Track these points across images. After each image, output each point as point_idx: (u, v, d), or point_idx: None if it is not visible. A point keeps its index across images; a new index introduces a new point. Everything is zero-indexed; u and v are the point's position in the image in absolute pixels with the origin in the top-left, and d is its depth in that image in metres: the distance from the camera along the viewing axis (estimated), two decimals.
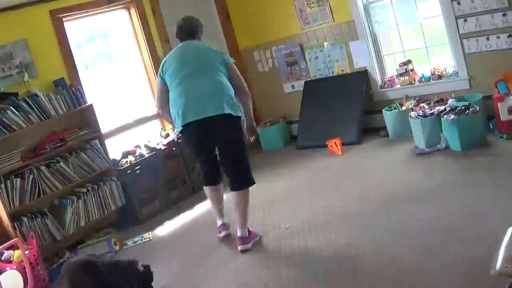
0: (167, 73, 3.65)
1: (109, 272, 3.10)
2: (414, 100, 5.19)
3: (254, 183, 3.72)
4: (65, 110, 4.54)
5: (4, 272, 3.68)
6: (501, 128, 4.44)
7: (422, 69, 5.44)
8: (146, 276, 3.19)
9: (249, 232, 3.71)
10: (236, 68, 3.73)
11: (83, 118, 4.77)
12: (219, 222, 3.96)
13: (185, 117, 3.51)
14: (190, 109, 3.50)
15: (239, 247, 3.64)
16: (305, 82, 6.15)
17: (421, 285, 2.63)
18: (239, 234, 3.67)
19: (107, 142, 4.94)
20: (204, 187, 3.96)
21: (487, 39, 4.67)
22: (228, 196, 3.84)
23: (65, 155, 4.55)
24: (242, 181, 3.67)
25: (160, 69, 3.74)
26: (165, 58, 3.75)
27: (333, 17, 5.67)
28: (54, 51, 4.81)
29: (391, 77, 5.59)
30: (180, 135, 3.91)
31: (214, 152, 3.80)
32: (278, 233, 3.83)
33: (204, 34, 3.91)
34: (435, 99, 4.97)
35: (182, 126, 3.55)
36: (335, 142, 5.36)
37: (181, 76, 3.57)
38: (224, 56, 3.71)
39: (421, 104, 4.94)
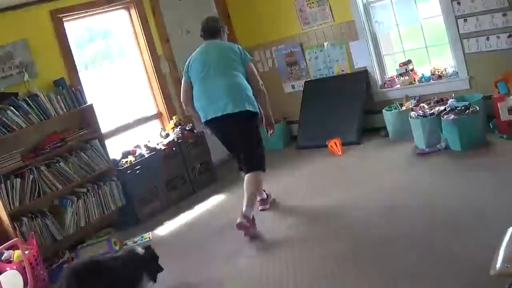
0: (192, 71, 4.00)
1: (111, 268, 3.09)
2: (414, 100, 5.19)
3: (264, 170, 4.07)
4: (65, 110, 4.54)
5: (4, 272, 3.68)
6: (501, 128, 4.44)
7: (422, 69, 5.44)
8: (150, 258, 3.24)
9: (253, 219, 3.88)
10: (253, 67, 4.08)
11: (83, 118, 4.77)
12: (258, 197, 4.20)
13: (206, 114, 3.92)
14: (210, 107, 3.88)
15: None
16: (305, 82, 6.15)
17: (421, 285, 2.63)
18: (243, 212, 3.82)
19: (107, 142, 4.94)
20: (244, 174, 4.14)
21: (487, 39, 4.67)
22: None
23: (65, 155, 4.55)
24: (254, 167, 4.00)
25: (185, 66, 4.07)
26: (190, 56, 4.07)
27: (333, 17, 5.67)
28: (54, 51, 4.81)
29: (391, 77, 5.59)
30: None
31: (237, 144, 4.06)
32: (278, 233, 3.83)
33: (226, 33, 4.21)
34: (435, 99, 4.97)
35: (205, 122, 3.98)
36: (335, 142, 5.36)
37: (204, 74, 3.92)
38: (242, 55, 3.99)
39: (421, 104, 4.94)
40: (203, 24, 4.10)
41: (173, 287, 3.46)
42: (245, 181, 3.98)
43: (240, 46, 4.10)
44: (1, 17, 4.45)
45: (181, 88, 4.15)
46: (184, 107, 4.29)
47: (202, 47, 4.06)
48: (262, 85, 4.11)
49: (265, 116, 4.15)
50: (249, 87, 3.95)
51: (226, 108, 3.82)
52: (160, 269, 3.29)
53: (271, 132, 4.24)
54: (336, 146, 5.35)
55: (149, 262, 3.24)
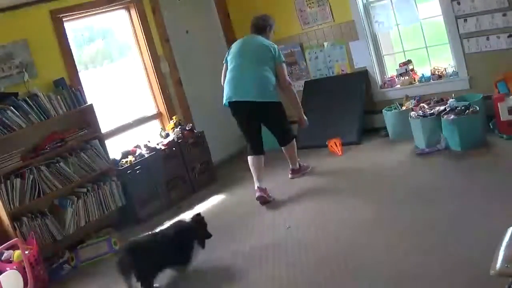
0: (229, 57, 4.58)
1: (164, 241, 3.38)
2: (414, 100, 5.19)
3: (293, 138, 4.80)
4: (65, 110, 4.54)
5: (4, 272, 3.68)
6: (501, 128, 4.44)
7: (422, 69, 5.44)
8: (199, 226, 3.54)
9: (300, 166, 4.95)
10: (283, 68, 4.55)
11: (83, 118, 4.77)
12: (256, 185, 4.59)
13: (230, 97, 4.47)
14: (235, 92, 4.44)
15: (289, 176, 4.97)
16: (305, 82, 6.15)
17: (421, 285, 2.63)
18: (291, 167, 4.94)
19: (107, 142, 4.94)
20: (248, 157, 4.67)
21: (487, 39, 4.67)
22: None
23: (65, 155, 4.55)
24: (284, 140, 4.74)
25: (226, 53, 4.69)
26: (232, 44, 4.70)
27: (333, 17, 5.67)
28: (54, 51, 4.81)
29: (391, 77, 5.60)
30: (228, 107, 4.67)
31: (256, 127, 4.61)
32: (278, 233, 3.83)
33: (272, 31, 4.73)
34: (435, 99, 4.97)
35: (228, 102, 4.51)
36: (335, 142, 5.36)
37: (236, 63, 4.48)
38: (276, 56, 4.46)
39: (421, 104, 4.94)
40: (252, 20, 4.69)
41: (173, 287, 3.46)
42: (284, 151, 4.85)
43: (276, 47, 4.52)
44: (1, 17, 4.44)
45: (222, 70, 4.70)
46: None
47: (243, 38, 4.67)
48: (290, 84, 4.64)
49: (295, 113, 4.83)
50: (274, 81, 4.47)
51: (248, 95, 4.38)
52: (208, 235, 3.58)
53: (302, 126, 4.95)
54: (336, 146, 5.35)
55: (198, 230, 3.55)
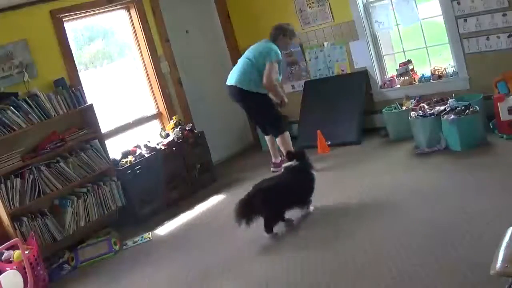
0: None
1: (288, 183, 3.90)
2: (414, 100, 5.20)
3: (282, 132, 5.06)
4: (65, 110, 4.53)
5: (4, 272, 3.68)
6: (501, 128, 4.44)
7: (422, 69, 5.45)
8: (305, 162, 4.06)
9: (281, 160, 5.06)
10: (270, 67, 4.85)
11: (83, 118, 4.77)
12: (272, 159, 5.33)
13: (228, 79, 5.14)
14: (229, 77, 5.12)
15: (271, 169, 5.30)
16: (305, 82, 6.15)
17: (421, 285, 2.63)
18: (273, 160, 5.33)
19: (107, 142, 4.94)
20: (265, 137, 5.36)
21: (487, 39, 4.67)
22: None
23: (65, 155, 4.55)
24: (271, 131, 5.18)
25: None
26: None
27: (333, 17, 5.67)
28: (54, 51, 4.81)
29: (391, 77, 5.60)
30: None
31: (250, 112, 5.42)
32: (278, 232, 3.83)
33: (287, 37, 5.10)
34: (435, 99, 4.97)
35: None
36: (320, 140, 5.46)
37: (241, 56, 5.17)
38: (268, 56, 4.89)
39: (421, 104, 4.94)
40: (271, 29, 5.17)
41: (172, 286, 3.46)
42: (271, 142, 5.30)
43: (274, 49, 4.93)
44: (1, 17, 4.44)
45: None
46: None
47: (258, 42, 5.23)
48: (271, 84, 4.90)
49: (274, 99, 5.16)
50: (255, 76, 4.92)
51: (232, 80, 5.03)
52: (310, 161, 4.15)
53: (281, 106, 5.21)
54: (320, 142, 5.43)
55: (307, 164, 4.09)
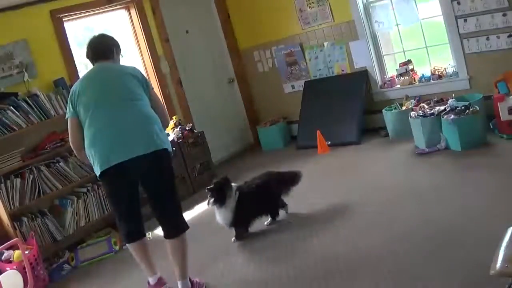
0: (80, 105, 3.02)
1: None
2: (414, 100, 5.20)
3: (188, 227, 3.24)
4: (65, 110, 4.53)
5: (4, 272, 3.68)
6: (501, 128, 4.44)
7: (422, 69, 5.45)
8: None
9: (192, 283, 3.24)
10: (156, 94, 3.34)
11: None
12: (154, 279, 3.31)
13: (107, 160, 2.93)
14: (113, 149, 2.93)
15: None
16: (305, 82, 6.15)
17: (421, 285, 2.63)
18: (181, 279, 3.19)
19: None
20: (128, 245, 3.27)
21: (487, 39, 4.67)
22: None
23: (65, 155, 4.55)
24: (179, 225, 3.20)
25: (69, 100, 3.09)
26: (74, 85, 3.12)
27: (333, 17, 5.67)
28: (54, 51, 4.81)
29: (391, 77, 5.60)
30: (100, 180, 3.20)
31: (138, 199, 3.22)
32: (276, 233, 3.83)
33: (121, 55, 3.36)
34: (435, 99, 4.97)
35: (104, 171, 2.96)
36: (320, 139, 5.44)
37: (95, 110, 2.98)
38: (144, 80, 3.17)
39: (421, 104, 4.94)
40: (90, 42, 3.26)
41: (171, 286, 3.46)
42: (170, 250, 3.19)
43: (139, 70, 3.25)
44: (1, 17, 4.45)
45: (69, 130, 3.13)
46: (77, 154, 3.18)
47: (90, 72, 3.21)
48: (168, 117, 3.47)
49: None
50: (158, 118, 3.12)
51: (135, 148, 2.93)
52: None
53: None
54: (320, 141, 5.41)
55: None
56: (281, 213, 4.06)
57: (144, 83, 3.15)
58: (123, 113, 2.98)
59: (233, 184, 3.89)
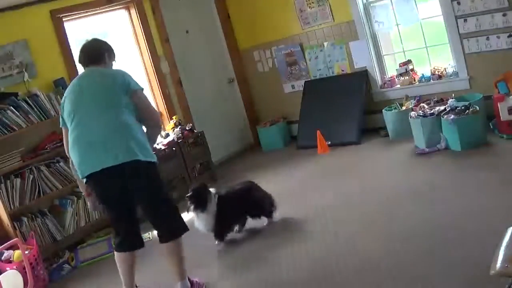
0: (65, 112, 3.02)
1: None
2: (414, 100, 5.19)
3: (188, 229, 3.19)
4: None
5: (4, 272, 3.68)
6: (501, 128, 4.44)
7: (422, 69, 5.44)
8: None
9: (192, 283, 3.20)
10: (145, 96, 3.16)
11: None
12: None
13: (80, 170, 2.93)
14: (84, 160, 2.91)
15: None
16: (305, 82, 6.15)
17: (421, 285, 2.63)
18: (180, 282, 3.14)
19: None
20: (116, 254, 3.17)
21: (487, 39, 4.67)
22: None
23: (65, 155, 4.53)
24: (172, 230, 3.11)
25: (61, 107, 3.12)
26: (65, 91, 3.12)
27: (333, 17, 5.67)
28: (54, 51, 4.81)
29: (391, 77, 5.60)
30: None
31: (128, 208, 3.11)
32: (275, 233, 3.83)
33: (114, 60, 3.27)
34: (435, 99, 4.97)
35: (86, 178, 2.95)
36: (320, 140, 5.44)
37: (78, 117, 2.94)
38: (126, 83, 3.02)
39: (421, 104, 4.94)
40: (82, 47, 3.18)
41: (171, 286, 3.46)
42: (166, 253, 3.14)
43: (126, 73, 3.13)
44: (1, 17, 4.45)
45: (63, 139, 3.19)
46: (71, 165, 3.18)
47: (77, 78, 3.14)
48: (159, 119, 3.33)
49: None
50: (139, 127, 3.03)
51: (107, 159, 2.84)
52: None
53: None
54: (320, 141, 5.40)
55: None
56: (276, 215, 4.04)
57: (127, 87, 3.00)
58: (96, 123, 2.90)
59: (211, 189, 3.84)
